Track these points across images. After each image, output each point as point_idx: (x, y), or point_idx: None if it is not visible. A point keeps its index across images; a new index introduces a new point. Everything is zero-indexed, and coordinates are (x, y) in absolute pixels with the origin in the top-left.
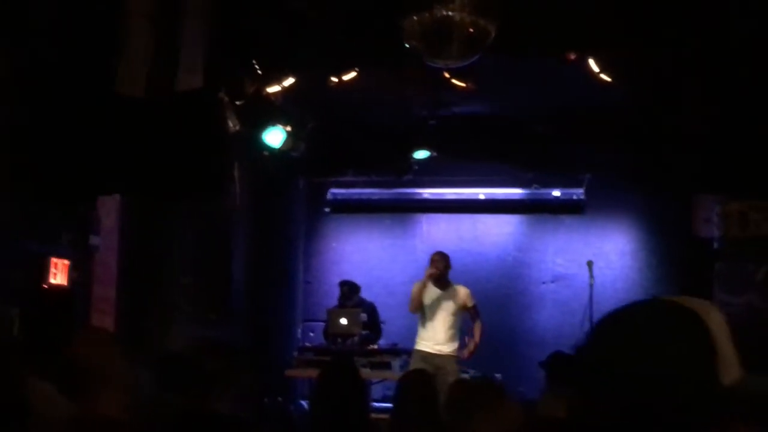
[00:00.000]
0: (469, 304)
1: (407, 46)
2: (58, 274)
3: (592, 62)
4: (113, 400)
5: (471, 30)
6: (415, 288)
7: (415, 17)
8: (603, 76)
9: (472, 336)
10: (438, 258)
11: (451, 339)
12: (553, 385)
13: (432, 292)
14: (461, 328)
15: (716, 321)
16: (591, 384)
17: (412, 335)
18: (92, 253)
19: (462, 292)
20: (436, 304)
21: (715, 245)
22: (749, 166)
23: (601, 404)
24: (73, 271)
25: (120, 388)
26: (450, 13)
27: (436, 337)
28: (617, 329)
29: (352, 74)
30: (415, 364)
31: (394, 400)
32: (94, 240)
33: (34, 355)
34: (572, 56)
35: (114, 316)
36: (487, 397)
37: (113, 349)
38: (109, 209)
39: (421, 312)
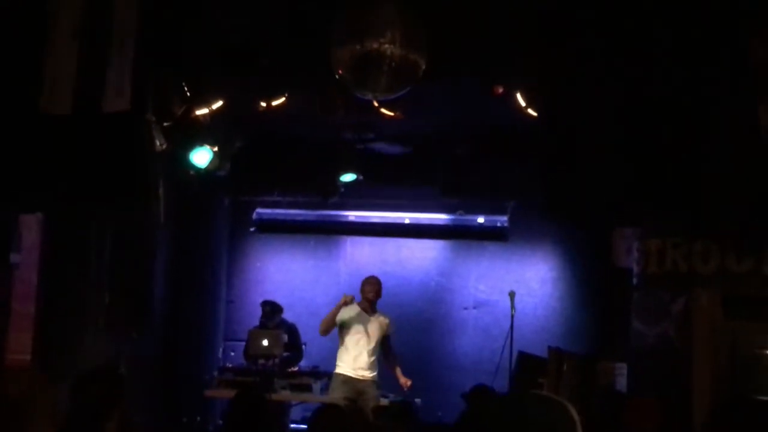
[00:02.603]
0: (390, 332)
1: (336, 76)
2: None
3: (519, 97)
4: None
5: (401, 64)
6: (334, 311)
7: (345, 49)
8: (529, 111)
9: (389, 365)
10: (375, 282)
11: (374, 365)
12: None
13: (361, 316)
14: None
15: (576, 415)
16: None
17: (333, 357)
18: (12, 270)
19: (387, 320)
20: (364, 329)
21: (634, 281)
22: (668, 202)
23: None
24: None
25: (47, 421)
26: (381, 47)
27: (359, 362)
28: (502, 416)
29: (281, 99)
30: (336, 387)
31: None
32: (14, 257)
33: None
34: (500, 90)
35: (33, 333)
36: None
37: (41, 383)
38: (30, 226)
39: (342, 335)
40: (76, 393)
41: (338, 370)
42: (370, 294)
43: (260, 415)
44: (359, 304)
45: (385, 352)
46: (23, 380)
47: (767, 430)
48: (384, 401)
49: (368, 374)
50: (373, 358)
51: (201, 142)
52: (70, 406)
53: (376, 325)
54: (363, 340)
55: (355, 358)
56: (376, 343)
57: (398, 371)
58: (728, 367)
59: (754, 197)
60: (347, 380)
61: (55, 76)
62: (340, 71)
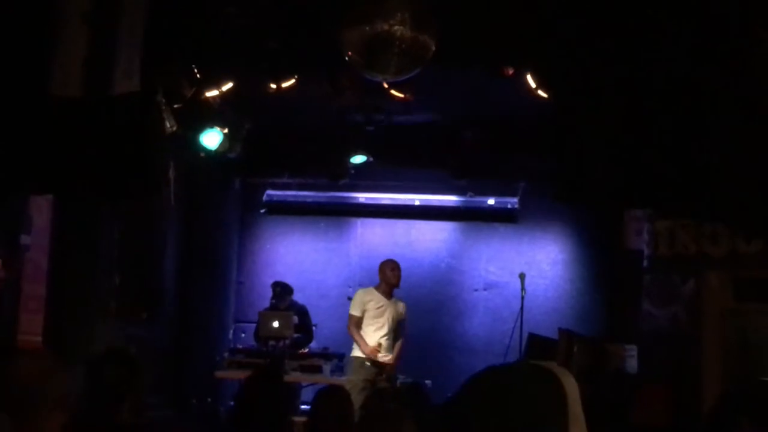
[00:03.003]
0: (404, 318)
1: (346, 58)
2: None
3: (529, 78)
4: (53, 419)
5: (411, 45)
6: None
7: (355, 30)
8: (540, 92)
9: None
10: (399, 267)
11: (391, 347)
12: None
13: (381, 301)
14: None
15: (571, 384)
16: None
17: (343, 339)
18: (23, 252)
19: (403, 305)
20: (384, 314)
21: (645, 262)
22: (680, 185)
23: None
24: (2, 270)
25: (59, 407)
26: (390, 28)
27: (374, 344)
28: (490, 388)
29: (291, 81)
30: (356, 370)
31: (310, 413)
32: (24, 239)
33: None
34: (510, 71)
35: (43, 314)
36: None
37: (52, 367)
38: (41, 208)
39: (362, 320)
40: (91, 375)
41: (357, 353)
42: (395, 279)
43: (276, 395)
44: (377, 288)
45: (395, 335)
46: (34, 362)
47: None
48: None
49: (386, 357)
50: (390, 342)
51: (211, 124)
52: (85, 388)
53: (393, 310)
54: (382, 325)
55: (374, 342)
56: (393, 328)
57: (395, 351)
58: (738, 349)
59: (764, 178)
60: (366, 363)
61: (65, 58)
62: (349, 53)
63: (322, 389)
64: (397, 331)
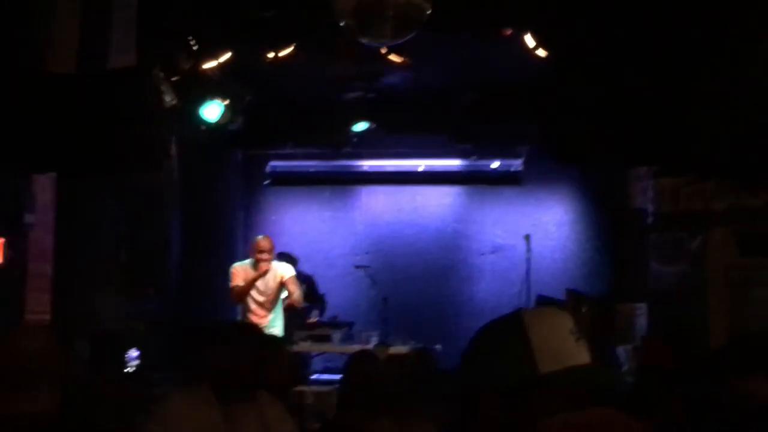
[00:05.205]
0: (286, 276)
1: (342, 24)
2: None
3: (528, 38)
4: (46, 396)
5: (406, 9)
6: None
7: None
8: (538, 52)
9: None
10: (267, 246)
11: (268, 320)
12: None
13: (252, 273)
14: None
15: (544, 325)
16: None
17: (352, 307)
18: (27, 231)
19: (283, 267)
20: (255, 287)
21: (649, 219)
22: (682, 141)
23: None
24: (8, 249)
25: (54, 385)
26: None
27: (253, 319)
28: (478, 337)
29: (289, 50)
30: None
31: (340, 381)
32: (28, 218)
33: None
34: (508, 32)
35: (50, 293)
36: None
37: (50, 344)
38: (44, 186)
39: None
40: None
41: None
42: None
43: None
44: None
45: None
46: (37, 338)
47: None
48: (403, 349)
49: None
50: (264, 313)
51: (211, 96)
52: None
53: (269, 278)
54: (254, 297)
55: (250, 316)
56: (268, 296)
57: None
58: (743, 303)
59: (764, 130)
60: None
61: (59, 35)
62: (344, 19)
63: (352, 355)
64: (277, 295)
